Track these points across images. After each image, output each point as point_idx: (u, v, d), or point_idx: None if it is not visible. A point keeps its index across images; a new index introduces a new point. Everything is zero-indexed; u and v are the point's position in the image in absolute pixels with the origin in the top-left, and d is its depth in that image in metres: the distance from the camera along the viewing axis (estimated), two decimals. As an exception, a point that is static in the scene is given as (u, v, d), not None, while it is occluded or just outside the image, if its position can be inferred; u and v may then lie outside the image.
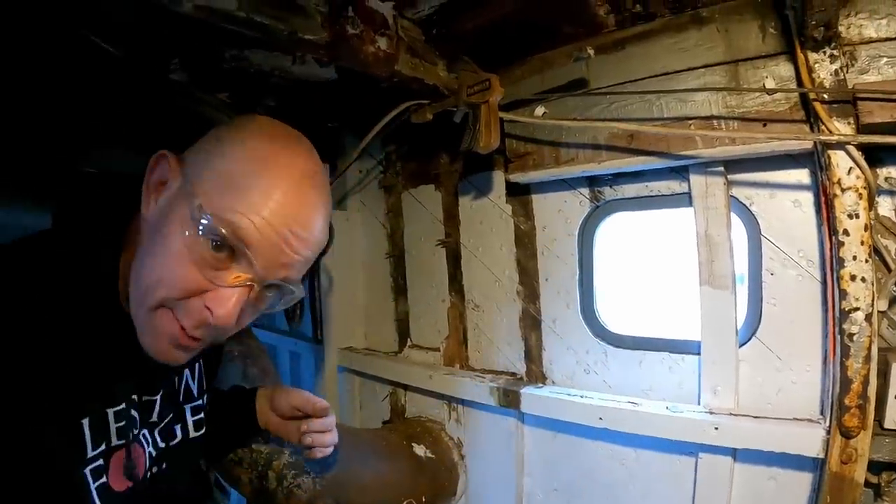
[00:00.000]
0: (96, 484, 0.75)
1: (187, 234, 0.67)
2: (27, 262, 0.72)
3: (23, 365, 0.66)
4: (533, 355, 1.61)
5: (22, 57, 1.16)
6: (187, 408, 0.98)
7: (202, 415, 1.01)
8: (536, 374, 1.60)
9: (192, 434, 0.98)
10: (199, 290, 0.69)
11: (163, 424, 0.91)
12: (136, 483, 0.83)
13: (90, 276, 0.75)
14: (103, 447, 0.76)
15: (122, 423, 0.79)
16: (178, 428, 0.95)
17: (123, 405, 0.80)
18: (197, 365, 1.01)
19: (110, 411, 0.78)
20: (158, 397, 0.89)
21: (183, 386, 0.97)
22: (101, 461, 0.76)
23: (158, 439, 0.90)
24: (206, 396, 1.04)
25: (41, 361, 0.67)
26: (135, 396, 0.83)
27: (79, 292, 0.73)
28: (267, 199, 0.68)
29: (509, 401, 1.51)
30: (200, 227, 0.67)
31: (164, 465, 0.91)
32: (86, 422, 0.73)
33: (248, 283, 0.70)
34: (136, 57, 1.24)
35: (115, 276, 0.77)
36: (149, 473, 0.87)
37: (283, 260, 0.71)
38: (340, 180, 2.04)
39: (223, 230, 0.66)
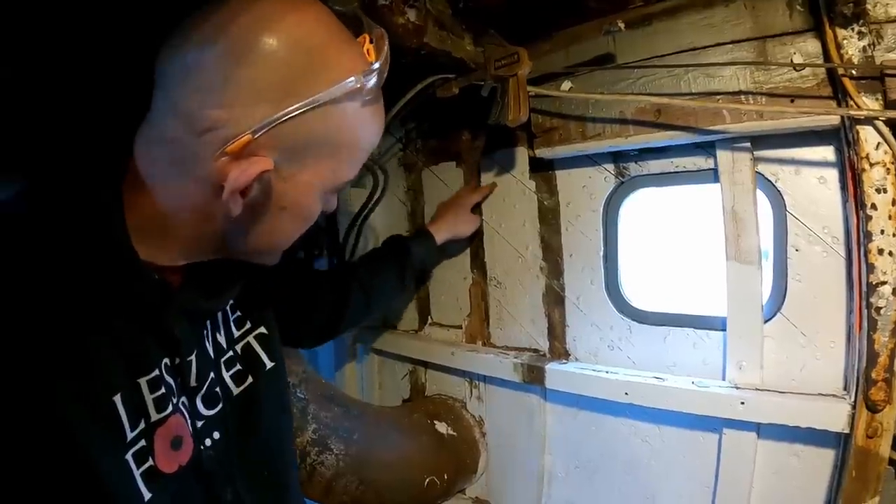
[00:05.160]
0: (141, 469, 0.69)
1: (312, 205, 0.78)
2: (16, 227, 0.66)
3: (35, 344, 0.60)
4: (556, 332, 1.67)
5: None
6: (221, 362, 0.89)
7: (238, 366, 0.92)
8: (560, 351, 1.66)
9: (235, 391, 0.90)
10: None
11: (205, 389, 0.84)
12: (188, 461, 0.77)
13: (95, 229, 0.68)
14: (143, 425, 0.70)
15: (160, 391, 0.73)
16: (219, 390, 0.87)
17: (157, 372, 0.73)
18: (220, 314, 0.91)
19: (143, 381, 0.71)
20: (194, 357, 0.81)
21: (211, 339, 0.88)
22: (143, 441, 0.70)
23: (202, 407, 0.83)
24: (241, 342, 0.95)
25: (54, 336, 0.61)
26: (167, 360, 0.76)
27: (83, 251, 0.67)
28: (368, 145, 0.78)
29: (533, 377, 1.58)
30: (322, 198, 0.78)
31: (216, 436, 0.84)
32: (118, 398, 0.67)
33: None
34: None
35: (123, 225, 0.70)
36: (202, 447, 0.81)
37: None
38: (359, 159, 2.08)
39: (338, 189, 0.80)
